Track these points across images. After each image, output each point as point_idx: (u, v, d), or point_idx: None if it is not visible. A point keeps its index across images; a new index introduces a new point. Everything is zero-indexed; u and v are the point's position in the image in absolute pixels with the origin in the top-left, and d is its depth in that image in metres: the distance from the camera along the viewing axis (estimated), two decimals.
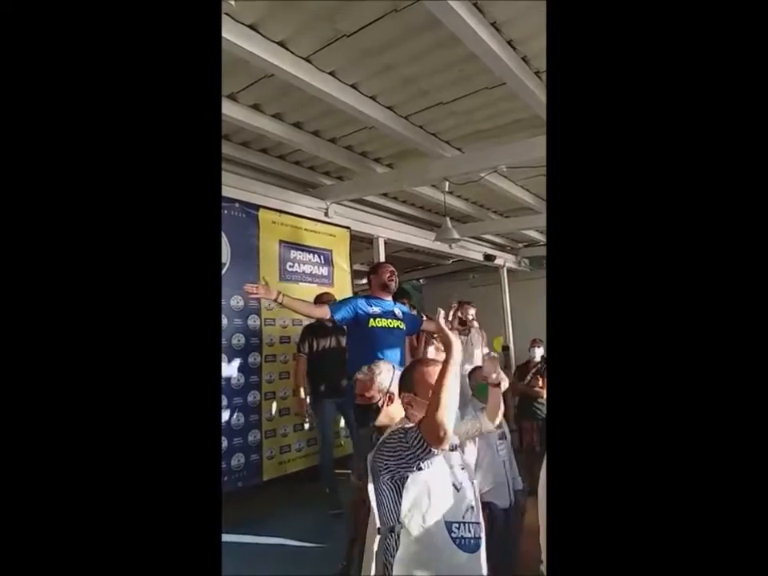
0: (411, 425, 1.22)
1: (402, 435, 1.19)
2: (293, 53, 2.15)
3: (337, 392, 2.91)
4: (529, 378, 4.04)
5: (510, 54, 2.14)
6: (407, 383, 1.35)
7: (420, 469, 1.16)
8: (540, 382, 3.95)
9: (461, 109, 2.75)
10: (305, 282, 3.59)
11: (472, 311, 3.63)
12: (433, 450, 1.12)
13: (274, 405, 3.23)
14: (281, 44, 2.09)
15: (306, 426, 3.37)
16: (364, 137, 3.11)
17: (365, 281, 2.94)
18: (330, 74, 2.34)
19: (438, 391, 1.12)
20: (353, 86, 2.46)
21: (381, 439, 1.25)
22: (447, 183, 3.52)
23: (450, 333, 1.21)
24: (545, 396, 3.83)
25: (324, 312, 2.39)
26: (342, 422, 3.38)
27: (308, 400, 3.09)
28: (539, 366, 4.07)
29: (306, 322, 3.38)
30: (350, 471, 2.42)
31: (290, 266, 3.51)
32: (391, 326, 2.42)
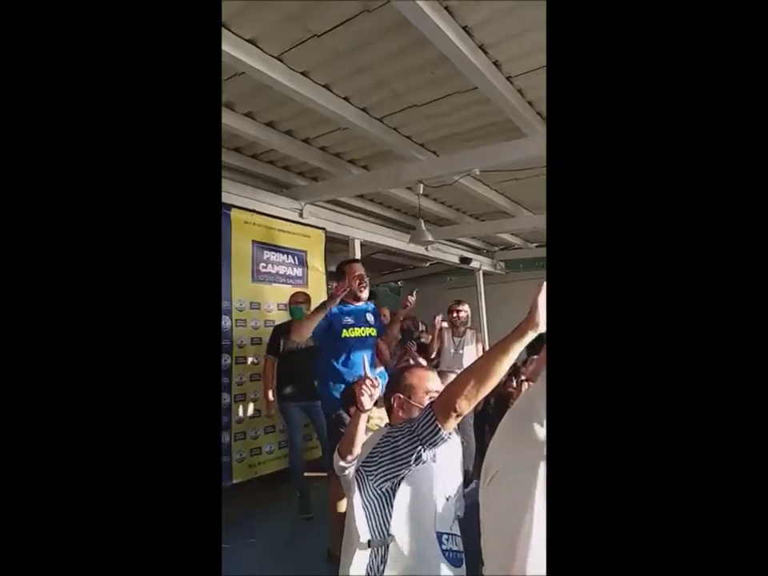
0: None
1: (401, 427, 1.08)
2: (264, 51, 2.12)
3: (304, 395, 2.88)
4: (504, 379, 4.09)
5: (481, 58, 2.16)
6: (401, 386, 1.30)
7: (419, 460, 1.02)
8: (514, 383, 4.00)
9: (434, 112, 2.76)
10: (278, 283, 3.56)
11: (466, 313, 3.64)
12: (440, 430, 0.98)
13: (241, 407, 3.18)
14: (251, 42, 2.06)
15: (281, 427, 3.34)
16: (338, 138, 3.10)
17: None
18: (302, 73, 2.32)
19: (475, 365, 0.98)
20: (325, 87, 2.44)
21: (371, 447, 1.15)
22: (422, 186, 3.54)
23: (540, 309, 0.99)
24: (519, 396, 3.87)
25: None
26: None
27: (276, 402, 3.06)
28: (513, 367, 4.12)
29: (280, 321, 3.35)
30: (324, 474, 2.41)
31: (263, 267, 3.47)
32: (363, 335, 2.39)
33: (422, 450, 1.02)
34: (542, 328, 0.93)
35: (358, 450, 1.29)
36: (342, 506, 2.26)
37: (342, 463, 1.36)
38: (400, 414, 1.26)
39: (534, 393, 0.63)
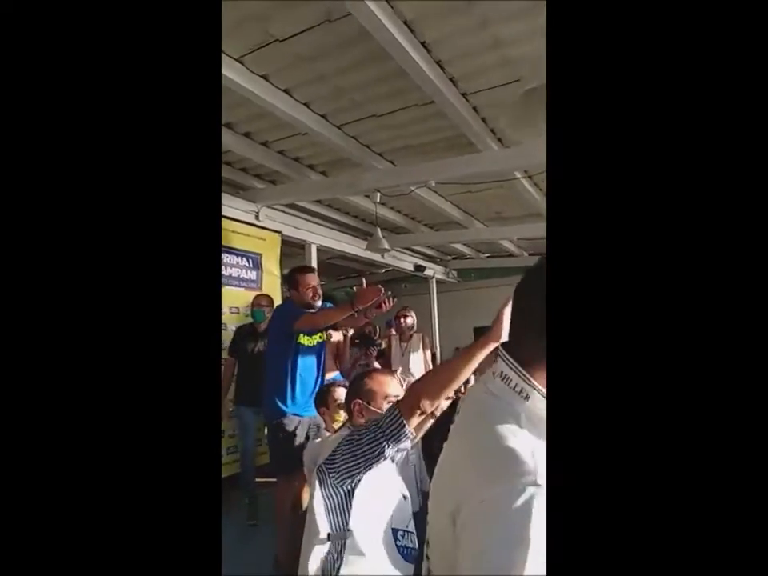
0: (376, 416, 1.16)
1: (367, 425, 1.13)
2: (223, 52, 2.11)
3: (258, 400, 2.84)
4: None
5: (438, 74, 2.23)
6: (361, 391, 1.32)
7: (381, 456, 1.06)
8: (462, 389, 4.11)
9: (393, 123, 2.82)
10: (231, 285, 3.50)
11: (411, 319, 3.75)
12: (405, 426, 1.04)
13: None
14: None
15: (230, 432, 3.26)
16: (297, 142, 3.10)
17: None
18: (262, 76, 2.32)
19: (439, 369, 1.08)
20: (285, 91, 2.45)
21: (335, 446, 1.18)
22: (379, 194, 3.59)
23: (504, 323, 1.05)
24: None
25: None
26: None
27: (230, 406, 3.00)
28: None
29: (232, 325, 3.29)
30: (274, 480, 2.38)
31: None
32: (312, 342, 2.35)
33: (386, 445, 1.06)
34: (505, 338, 1.02)
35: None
36: (285, 510, 2.25)
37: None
38: (359, 419, 1.28)
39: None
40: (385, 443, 1.06)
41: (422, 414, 1.04)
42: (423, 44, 2.07)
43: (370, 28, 1.85)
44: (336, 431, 1.48)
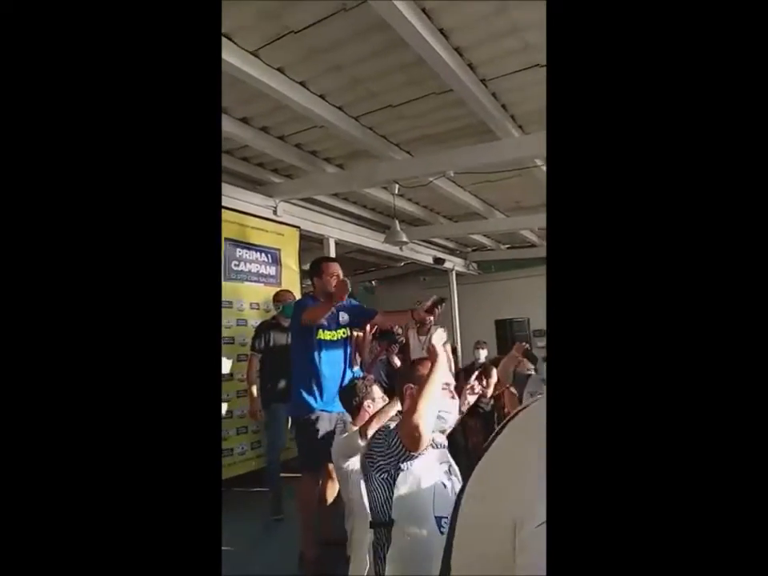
0: (393, 425, 1.29)
1: (386, 435, 1.25)
2: (239, 45, 2.10)
3: (289, 394, 2.84)
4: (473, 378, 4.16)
5: (457, 60, 2.18)
6: (413, 377, 1.43)
7: (400, 469, 1.20)
8: (484, 382, 4.07)
9: (410, 113, 2.78)
10: (251, 281, 3.52)
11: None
12: (406, 452, 1.18)
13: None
14: (226, 36, 2.04)
15: (253, 427, 3.29)
16: (314, 135, 3.08)
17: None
18: (278, 69, 2.30)
19: (417, 397, 1.20)
20: (301, 84, 2.43)
21: (371, 438, 1.31)
22: (397, 186, 3.55)
23: (438, 345, 1.32)
24: (488, 395, 3.95)
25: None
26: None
27: (260, 401, 3.01)
28: (483, 366, 4.20)
29: (252, 321, 3.31)
30: (298, 475, 2.38)
31: (236, 265, 3.42)
32: (334, 338, 2.34)
33: (399, 463, 1.20)
34: (442, 358, 1.31)
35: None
36: (311, 507, 2.25)
37: (360, 441, 1.54)
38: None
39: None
40: (396, 462, 1.19)
41: (424, 438, 1.16)
42: (441, 31, 2.02)
43: (386, 16, 1.82)
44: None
